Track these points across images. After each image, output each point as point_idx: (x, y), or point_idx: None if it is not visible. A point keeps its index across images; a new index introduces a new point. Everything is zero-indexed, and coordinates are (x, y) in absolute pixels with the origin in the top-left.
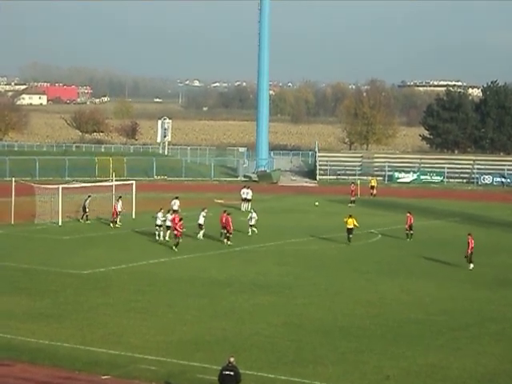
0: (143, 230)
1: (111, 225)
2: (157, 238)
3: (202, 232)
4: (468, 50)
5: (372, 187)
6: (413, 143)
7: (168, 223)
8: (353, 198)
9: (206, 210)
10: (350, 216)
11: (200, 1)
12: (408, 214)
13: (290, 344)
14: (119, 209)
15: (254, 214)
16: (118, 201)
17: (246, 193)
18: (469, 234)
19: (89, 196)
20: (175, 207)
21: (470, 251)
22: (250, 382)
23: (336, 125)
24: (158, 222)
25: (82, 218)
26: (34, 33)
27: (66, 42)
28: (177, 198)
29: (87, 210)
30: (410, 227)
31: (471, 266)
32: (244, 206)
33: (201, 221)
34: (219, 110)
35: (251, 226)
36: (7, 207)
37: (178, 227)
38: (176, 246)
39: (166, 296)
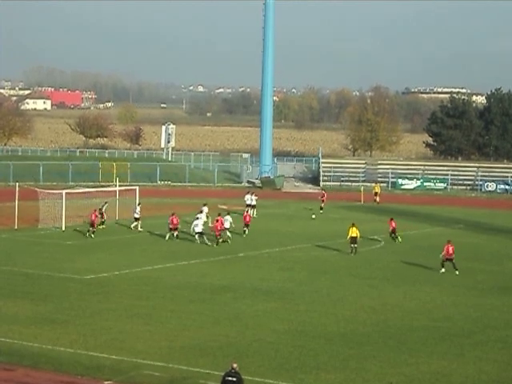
0: (147, 235)
1: (134, 228)
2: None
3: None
4: (472, 57)
5: (375, 194)
6: (416, 150)
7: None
8: (322, 205)
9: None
10: (353, 224)
11: (204, 6)
12: (390, 220)
13: (292, 350)
14: (137, 215)
15: (228, 217)
16: (136, 206)
17: (251, 199)
18: (448, 241)
19: (106, 202)
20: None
21: (446, 257)
22: None
23: (340, 131)
24: (198, 230)
25: (100, 225)
26: (39, 36)
27: (71, 47)
28: (205, 204)
29: (105, 216)
30: (394, 231)
31: (443, 270)
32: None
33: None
34: (223, 115)
35: (227, 229)
36: (11, 212)
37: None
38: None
39: (169, 301)
